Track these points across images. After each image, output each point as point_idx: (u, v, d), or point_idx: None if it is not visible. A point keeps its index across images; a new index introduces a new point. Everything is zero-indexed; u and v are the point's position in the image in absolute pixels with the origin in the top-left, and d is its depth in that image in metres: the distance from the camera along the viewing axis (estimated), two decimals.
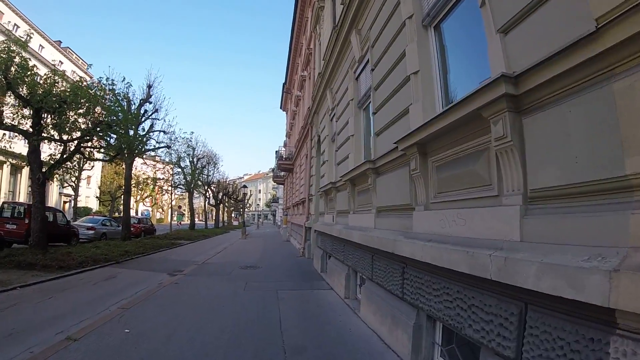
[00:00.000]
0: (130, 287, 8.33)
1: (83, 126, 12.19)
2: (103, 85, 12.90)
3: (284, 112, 40.56)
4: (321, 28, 13.32)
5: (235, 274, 9.97)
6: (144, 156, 22.14)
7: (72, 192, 35.18)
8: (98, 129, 12.37)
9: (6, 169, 31.57)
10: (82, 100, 11.25)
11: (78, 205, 33.88)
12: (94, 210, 39.95)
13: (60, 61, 36.87)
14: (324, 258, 10.05)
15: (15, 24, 32.33)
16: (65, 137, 12.31)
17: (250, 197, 77.67)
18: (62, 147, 12.67)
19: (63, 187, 37.52)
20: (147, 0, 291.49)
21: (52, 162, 12.38)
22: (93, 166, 35.92)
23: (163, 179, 31.22)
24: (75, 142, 12.72)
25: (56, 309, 6.32)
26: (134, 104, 17.35)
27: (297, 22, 23.07)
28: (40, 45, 35.67)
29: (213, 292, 7.53)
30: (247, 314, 5.97)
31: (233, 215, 73.54)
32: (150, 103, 18.76)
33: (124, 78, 14.24)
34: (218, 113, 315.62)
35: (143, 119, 18.14)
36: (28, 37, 11.55)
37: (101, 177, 44.54)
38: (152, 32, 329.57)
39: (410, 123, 4.25)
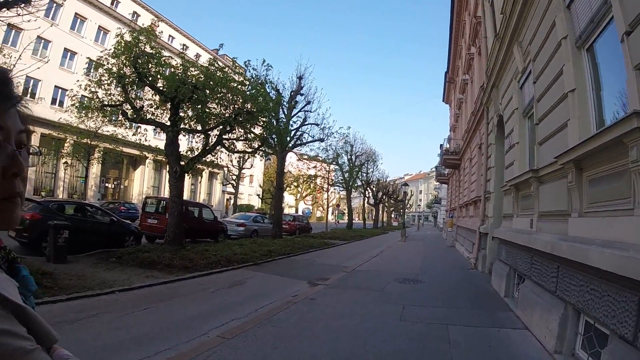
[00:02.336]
0: (255, 299, 6.91)
1: (225, 113, 11.41)
2: (242, 69, 12.10)
3: (447, 105, 36.91)
4: None
5: (389, 289, 7.88)
6: (298, 152, 21.87)
7: (233, 190, 38.26)
8: (240, 117, 11.43)
9: (149, 164, 34.48)
10: (214, 84, 10.39)
11: (241, 203, 36.49)
12: (255, 208, 42.80)
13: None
14: (511, 278, 7.20)
15: (170, 35, 37.52)
16: (201, 127, 11.66)
17: (410, 197, 74.78)
18: (204, 139, 12.16)
19: (224, 186, 41.12)
20: None
21: (191, 154, 11.85)
22: (252, 165, 38.27)
23: (320, 176, 31.07)
24: (216, 132, 12.04)
25: (137, 328, 4.96)
26: (284, 95, 16.81)
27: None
28: (197, 53, 39.52)
29: (356, 320, 5.52)
30: None
31: (392, 215, 71.77)
32: (302, 95, 18.13)
33: (264, 61, 13.12)
34: (375, 112, 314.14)
35: (294, 112, 17.58)
36: (155, 25, 11.26)
37: (263, 176, 47.57)
38: (304, 20, 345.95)
39: None
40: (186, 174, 12.03)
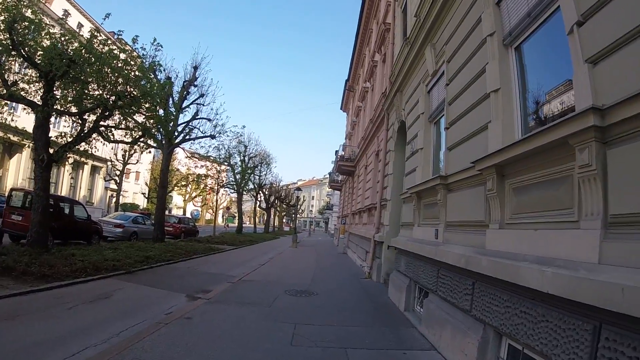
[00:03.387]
0: (120, 318, 5.54)
1: (103, 94, 9.72)
2: (129, 47, 10.31)
3: (344, 113, 37.83)
4: None
5: (279, 304, 6.93)
6: (189, 149, 20.09)
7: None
8: (120, 102, 9.77)
9: (25, 152, 29.15)
10: (95, 60, 8.80)
11: (125, 202, 32.62)
12: (141, 207, 38.81)
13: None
14: (412, 291, 6.83)
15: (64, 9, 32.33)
16: (76, 110, 9.93)
17: (303, 202, 75.61)
18: (80, 124, 10.32)
19: (107, 181, 36.70)
20: None
21: (62, 141, 10.00)
22: (138, 160, 34.65)
23: (210, 176, 29.12)
24: (91, 117, 10.21)
25: None
26: (175, 84, 15.18)
27: (367, 7, 20.35)
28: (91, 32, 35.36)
29: (238, 347, 4.41)
30: None
31: (284, 220, 71.61)
32: (196, 86, 16.57)
33: (155, 39, 11.45)
34: (271, 117, 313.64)
35: (186, 104, 15.94)
36: None
37: (149, 173, 43.26)
38: (204, 28, 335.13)
39: None
40: (55, 164, 10.15)
